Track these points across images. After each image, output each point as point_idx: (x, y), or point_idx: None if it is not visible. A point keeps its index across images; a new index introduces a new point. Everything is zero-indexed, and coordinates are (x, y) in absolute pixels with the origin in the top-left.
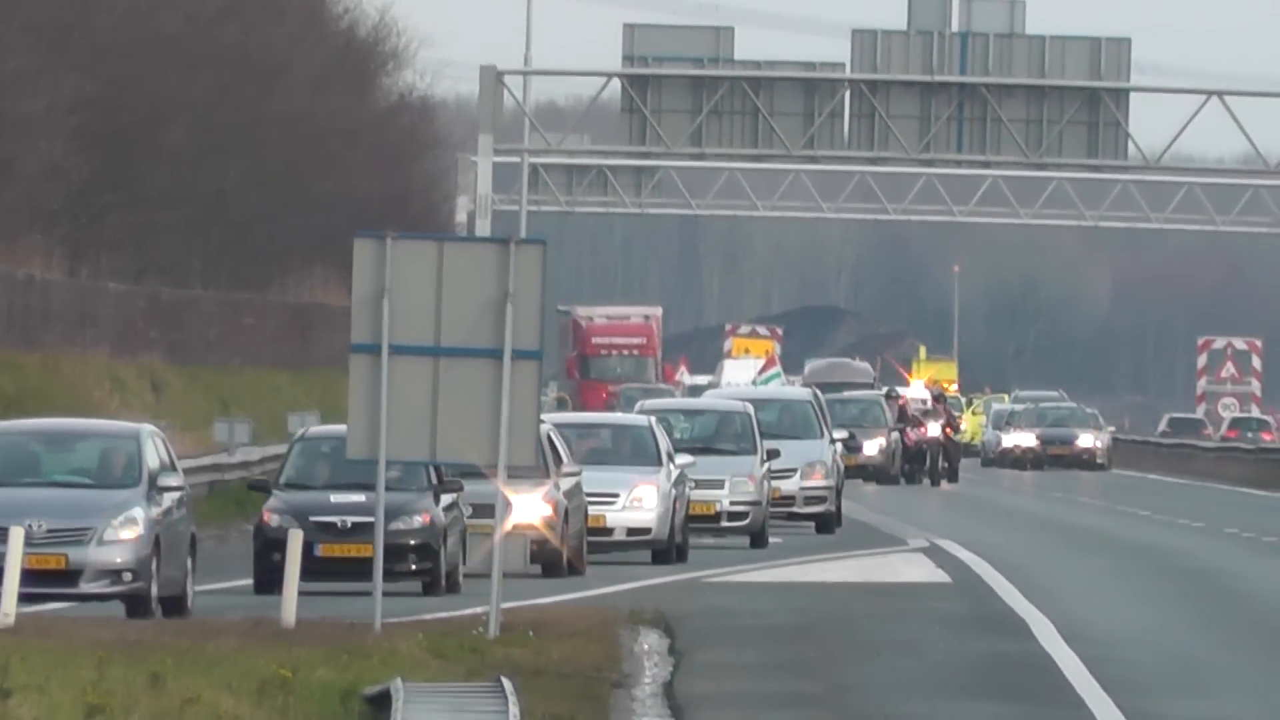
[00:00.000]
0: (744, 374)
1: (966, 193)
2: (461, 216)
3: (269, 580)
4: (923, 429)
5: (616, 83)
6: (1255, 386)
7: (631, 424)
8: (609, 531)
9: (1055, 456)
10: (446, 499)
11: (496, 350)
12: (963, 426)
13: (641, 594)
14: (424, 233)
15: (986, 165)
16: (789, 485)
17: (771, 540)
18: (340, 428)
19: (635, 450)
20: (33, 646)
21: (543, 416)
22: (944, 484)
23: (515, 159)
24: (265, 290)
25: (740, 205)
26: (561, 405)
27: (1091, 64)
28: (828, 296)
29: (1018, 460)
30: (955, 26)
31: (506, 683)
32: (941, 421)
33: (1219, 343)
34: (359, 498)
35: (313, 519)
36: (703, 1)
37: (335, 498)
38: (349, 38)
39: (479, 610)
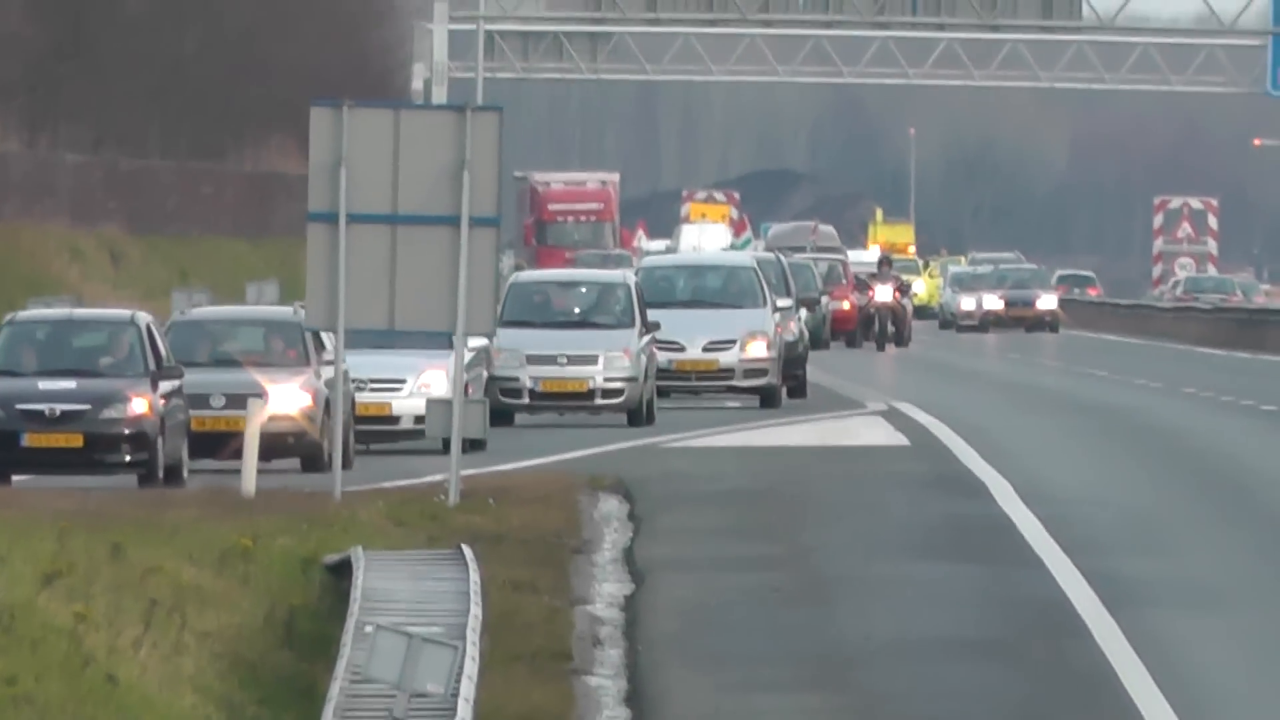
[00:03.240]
0: (701, 239)
1: (921, 55)
2: (418, 84)
3: None
4: (870, 293)
5: None
6: (1212, 246)
7: None
8: (395, 420)
9: (1016, 318)
10: (166, 386)
11: (454, 217)
12: (919, 289)
13: (600, 460)
14: (380, 100)
15: (941, 28)
16: (728, 358)
17: (729, 405)
18: (51, 311)
19: (427, 332)
20: None
21: (303, 305)
22: (890, 348)
23: (471, 26)
24: (223, 159)
25: (695, 70)
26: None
27: None
28: (784, 160)
29: (979, 323)
30: None
31: (467, 549)
32: (891, 285)
33: (1175, 202)
34: (69, 384)
35: (19, 407)
36: None
37: (44, 384)
38: None
39: (439, 477)
